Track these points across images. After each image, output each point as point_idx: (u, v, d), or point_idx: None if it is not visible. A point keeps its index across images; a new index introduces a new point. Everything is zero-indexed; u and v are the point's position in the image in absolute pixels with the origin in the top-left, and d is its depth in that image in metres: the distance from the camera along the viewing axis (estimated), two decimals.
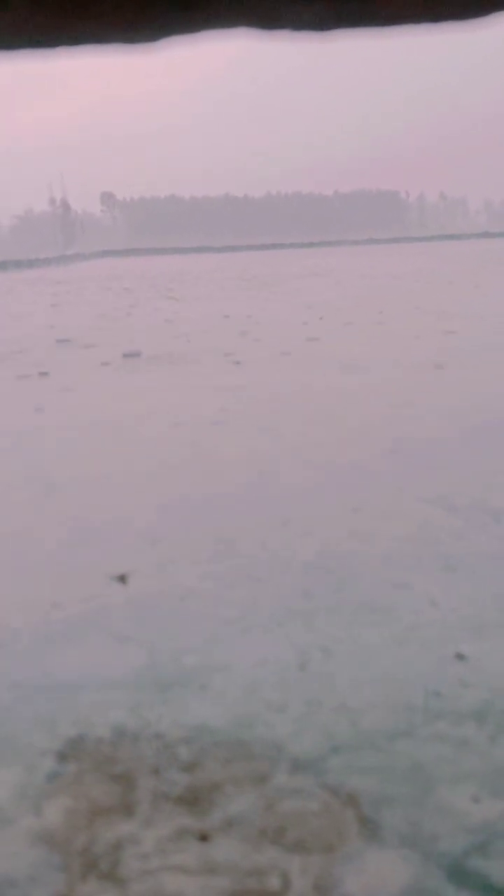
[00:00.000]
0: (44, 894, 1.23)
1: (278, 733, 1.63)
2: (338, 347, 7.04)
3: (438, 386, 5.12)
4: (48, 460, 3.80)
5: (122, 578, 2.42)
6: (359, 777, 1.48)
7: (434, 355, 6.29)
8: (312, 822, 1.37)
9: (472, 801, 1.42)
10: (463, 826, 1.36)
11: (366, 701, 1.73)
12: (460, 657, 1.88)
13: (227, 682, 1.83)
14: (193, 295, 15.20)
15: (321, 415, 4.48)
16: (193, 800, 1.43)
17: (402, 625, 2.06)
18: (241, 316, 10.35)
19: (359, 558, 2.50)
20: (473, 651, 1.90)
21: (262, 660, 1.92)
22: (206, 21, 0.64)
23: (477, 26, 0.71)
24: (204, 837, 1.34)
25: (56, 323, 10.70)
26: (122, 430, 4.32)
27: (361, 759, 1.54)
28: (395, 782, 1.47)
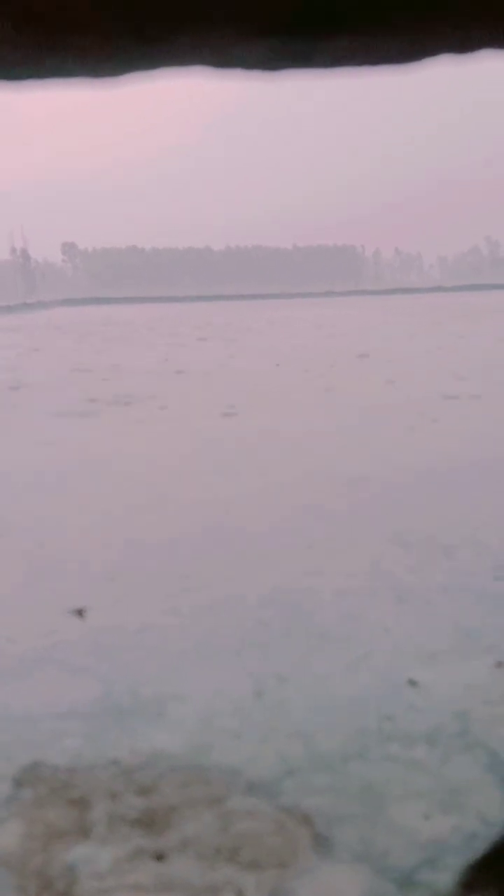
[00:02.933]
0: None
1: (234, 758, 1.65)
2: (292, 394, 7.16)
3: (393, 431, 5.24)
4: (2, 499, 3.80)
5: (80, 612, 2.42)
6: (312, 797, 1.51)
7: (385, 401, 6.44)
8: (267, 840, 1.39)
9: (423, 818, 1.45)
10: (413, 842, 1.39)
11: (320, 725, 1.76)
12: (412, 683, 1.93)
13: (184, 710, 1.85)
14: (163, 342, 15.32)
15: (278, 457, 4.55)
16: (150, 822, 1.45)
17: (356, 653, 2.10)
18: (209, 362, 10.47)
19: (313, 592, 2.54)
20: (425, 677, 1.95)
21: (219, 689, 1.95)
22: (165, 56, 0.71)
23: (410, 70, 0.80)
24: (160, 857, 1.35)
25: (12, 367, 10.70)
26: (78, 475, 4.34)
27: (315, 780, 1.57)
28: (348, 802, 1.50)
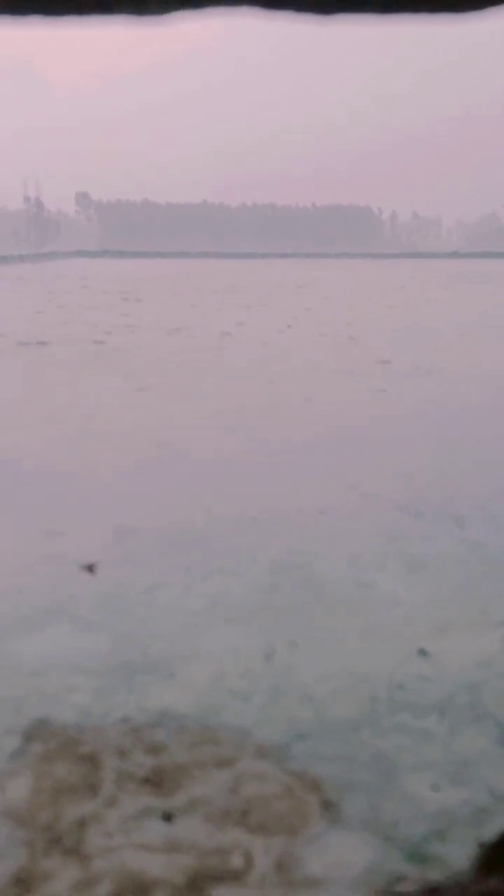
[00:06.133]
0: (7, 868, 1.23)
1: (244, 720, 1.64)
2: (308, 355, 7.10)
3: (408, 394, 5.19)
4: (15, 452, 3.78)
5: (91, 568, 2.42)
6: (322, 764, 1.51)
7: (408, 365, 6.37)
8: (276, 805, 1.39)
9: (432, 790, 1.45)
10: (422, 812, 1.39)
11: (330, 692, 1.76)
12: (423, 653, 1.91)
13: (194, 670, 1.85)
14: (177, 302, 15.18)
15: (292, 420, 4.51)
16: (158, 781, 1.44)
17: (366, 621, 2.09)
18: (225, 320, 10.38)
19: (325, 557, 2.52)
20: (435, 647, 1.94)
21: (229, 650, 1.94)
22: None
23: (473, 18, 0.74)
24: (168, 817, 1.35)
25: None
26: (95, 426, 4.31)
27: (325, 746, 1.56)
28: (358, 769, 1.50)
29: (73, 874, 1.22)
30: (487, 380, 5.89)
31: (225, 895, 1.16)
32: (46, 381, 5.83)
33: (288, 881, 1.21)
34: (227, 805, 1.38)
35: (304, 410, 4.75)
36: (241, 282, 22.14)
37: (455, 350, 7.49)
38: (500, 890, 0.80)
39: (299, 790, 1.42)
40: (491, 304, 13.79)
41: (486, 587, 2.31)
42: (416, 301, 14.58)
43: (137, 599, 2.21)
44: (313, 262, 44.97)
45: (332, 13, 0.74)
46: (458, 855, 1.28)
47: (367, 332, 9.12)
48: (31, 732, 1.59)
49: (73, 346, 7.58)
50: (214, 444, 3.95)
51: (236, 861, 1.25)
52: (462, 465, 3.58)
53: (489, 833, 1.32)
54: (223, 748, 1.54)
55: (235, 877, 1.22)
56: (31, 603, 2.19)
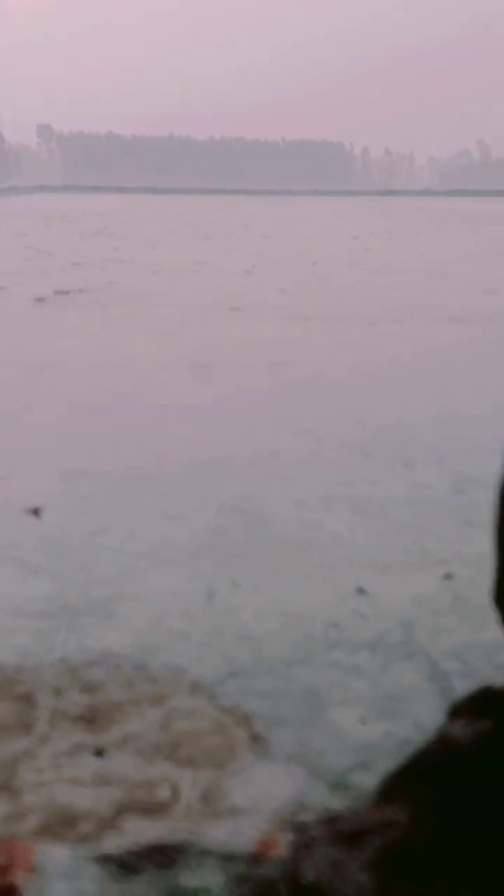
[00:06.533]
0: None
1: (180, 659, 1.67)
2: (267, 299, 7.04)
3: (376, 336, 5.19)
4: None
5: (36, 512, 2.41)
6: (254, 699, 1.54)
7: (373, 309, 6.35)
8: (206, 739, 1.42)
9: (360, 723, 1.49)
10: (349, 745, 1.44)
11: (267, 630, 1.79)
12: (361, 591, 1.95)
13: (135, 611, 1.87)
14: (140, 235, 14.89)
15: (248, 364, 4.49)
16: (92, 718, 1.47)
17: (309, 562, 2.13)
18: (187, 260, 10.22)
19: (273, 499, 2.55)
20: (374, 586, 1.98)
21: (171, 591, 1.96)
22: None
23: None
24: (99, 753, 1.38)
25: None
26: (44, 367, 4.26)
27: (258, 683, 1.60)
28: (288, 705, 1.54)
29: (2, 808, 1.25)
30: (453, 326, 5.90)
31: (150, 826, 1.20)
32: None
33: (213, 812, 1.25)
34: (158, 740, 1.42)
35: (260, 354, 4.73)
36: (206, 220, 21.75)
37: (421, 294, 7.48)
38: (394, 819, 0.83)
39: (229, 725, 1.46)
40: (461, 245, 13.73)
41: (429, 527, 2.35)
42: (385, 245, 14.45)
43: (82, 543, 2.22)
44: (283, 200, 44.27)
45: None
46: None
47: (330, 277, 9.04)
48: None
49: (35, 287, 7.43)
50: (170, 387, 3.93)
51: (163, 793, 1.29)
52: (418, 410, 3.60)
53: None
54: (158, 686, 1.57)
55: (161, 808, 1.26)
56: None
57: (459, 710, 0.94)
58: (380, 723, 1.50)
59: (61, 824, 1.23)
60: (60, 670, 1.63)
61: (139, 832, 1.12)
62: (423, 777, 0.87)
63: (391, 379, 4.10)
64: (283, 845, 0.87)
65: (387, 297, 6.98)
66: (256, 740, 1.43)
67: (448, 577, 2.04)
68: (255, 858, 0.85)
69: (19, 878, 0.87)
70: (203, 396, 3.73)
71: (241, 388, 3.89)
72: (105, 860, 0.86)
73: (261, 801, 1.28)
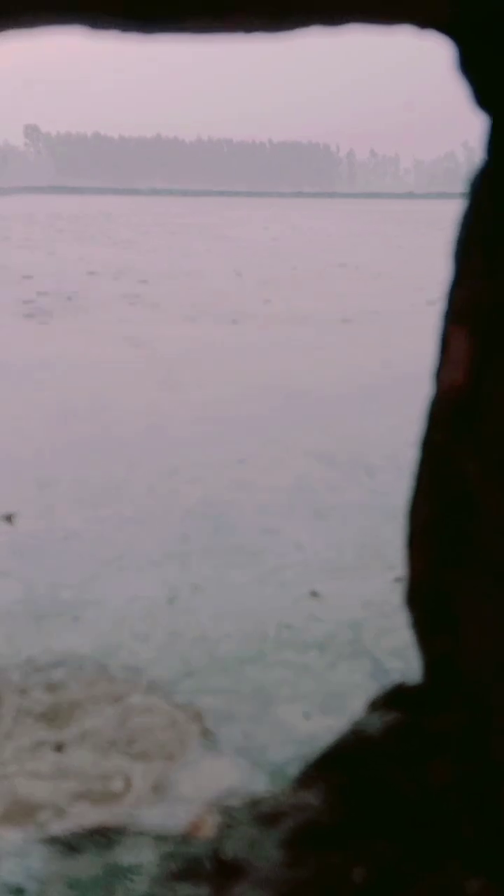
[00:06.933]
0: None
1: (139, 659, 1.78)
2: (247, 303, 7.15)
3: (340, 343, 5.30)
4: None
5: (9, 518, 2.51)
6: (206, 697, 1.65)
7: (343, 313, 6.47)
8: (159, 735, 1.53)
9: (304, 718, 1.60)
10: (291, 738, 1.55)
11: (223, 632, 1.90)
12: (314, 594, 2.07)
13: (99, 614, 1.97)
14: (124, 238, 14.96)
15: (219, 373, 4.60)
16: (54, 716, 1.58)
17: (267, 566, 2.23)
18: (173, 266, 10.31)
19: (237, 506, 2.65)
20: (327, 589, 2.09)
21: (134, 595, 2.07)
22: None
23: (279, 39, 0.82)
24: (59, 748, 1.48)
25: None
26: (19, 374, 4.35)
27: (211, 681, 1.71)
28: (239, 702, 1.64)
29: None
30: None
31: (96, 812, 1.30)
32: None
33: (161, 800, 1.36)
34: (115, 736, 1.52)
35: (231, 363, 4.84)
36: (193, 222, 21.84)
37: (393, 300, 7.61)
38: (308, 803, 0.94)
39: (182, 721, 1.57)
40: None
41: (384, 533, 2.46)
42: (365, 247, 14.60)
43: (51, 549, 2.32)
44: (266, 202, 44.37)
45: (149, 33, 0.81)
46: None
47: (302, 277, 9.17)
48: None
49: (18, 290, 7.51)
50: (141, 395, 4.03)
51: (117, 784, 1.40)
52: (382, 418, 3.72)
53: None
54: (116, 685, 1.67)
55: (114, 798, 1.36)
56: None
57: (375, 705, 1.06)
58: (322, 718, 1.61)
59: (21, 814, 1.33)
60: (26, 671, 1.73)
61: (86, 817, 1.23)
62: (336, 764, 0.99)
63: (357, 388, 4.22)
64: (209, 827, 0.98)
65: (349, 303, 7.11)
66: (206, 735, 1.54)
67: (398, 580, 2.15)
68: (185, 838, 0.95)
69: None
70: (173, 403, 3.84)
71: (210, 395, 4.00)
72: (52, 841, 0.96)
73: (205, 791, 1.39)
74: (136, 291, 7.68)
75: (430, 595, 0.88)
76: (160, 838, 0.98)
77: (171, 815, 1.18)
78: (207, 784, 1.41)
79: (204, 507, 2.64)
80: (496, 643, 0.73)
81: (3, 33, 0.80)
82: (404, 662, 1.77)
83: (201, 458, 3.11)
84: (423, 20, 0.72)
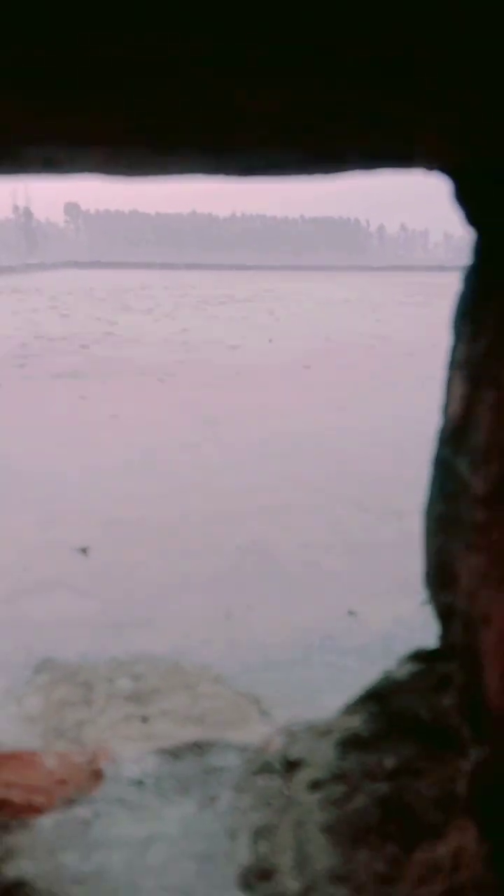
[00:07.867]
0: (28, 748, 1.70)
1: (205, 659, 2.12)
2: (279, 367, 7.59)
3: (370, 405, 5.68)
4: (17, 456, 4.25)
5: (84, 551, 2.89)
6: (263, 688, 1.98)
7: (374, 378, 6.88)
8: (225, 713, 1.86)
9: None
10: None
11: (274, 641, 2.24)
12: (351, 613, 2.40)
13: (168, 625, 2.32)
14: (167, 312, 15.67)
15: (258, 430, 5.00)
16: (137, 698, 1.92)
17: (310, 591, 2.57)
18: (216, 336, 10.86)
19: (282, 544, 3.00)
20: (362, 610, 2.42)
21: (196, 612, 2.42)
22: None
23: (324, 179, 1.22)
24: (145, 720, 1.82)
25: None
26: (84, 435, 4.78)
27: (266, 677, 2.04)
28: (290, 692, 1.97)
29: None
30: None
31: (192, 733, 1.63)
32: (37, 394, 6.29)
33: None
34: (189, 713, 1.86)
35: (266, 417, 5.24)
36: (229, 293, 22.69)
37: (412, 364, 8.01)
38: (352, 724, 1.27)
39: (244, 704, 1.90)
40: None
41: (412, 565, 2.79)
42: (393, 314, 15.12)
43: (123, 574, 2.69)
44: (300, 275, 45.62)
45: (194, 173, 1.20)
46: None
47: (337, 348, 9.63)
48: (39, 667, 2.06)
49: (78, 358, 8.05)
50: (190, 450, 4.43)
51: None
52: (409, 467, 4.06)
53: None
54: (188, 676, 2.01)
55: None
56: (35, 577, 2.66)
57: (402, 661, 1.41)
58: None
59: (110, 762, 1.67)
60: (111, 666, 2.08)
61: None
62: (372, 698, 1.35)
63: (387, 440, 4.58)
64: (278, 742, 1.32)
65: (382, 367, 7.51)
66: (263, 713, 1.86)
67: (425, 603, 2.48)
68: (261, 749, 1.30)
69: (103, 764, 1.32)
70: (217, 456, 4.22)
71: (251, 447, 4.38)
72: (161, 751, 1.32)
73: (253, 739, 1.71)
74: (182, 359, 8.18)
75: (438, 566, 1.27)
76: (242, 749, 1.32)
77: (248, 737, 1.51)
78: (257, 738, 1.73)
79: (252, 543, 2.99)
80: (475, 591, 1.10)
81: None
82: None
83: (246, 503, 3.48)
84: (434, 167, 1.09)
